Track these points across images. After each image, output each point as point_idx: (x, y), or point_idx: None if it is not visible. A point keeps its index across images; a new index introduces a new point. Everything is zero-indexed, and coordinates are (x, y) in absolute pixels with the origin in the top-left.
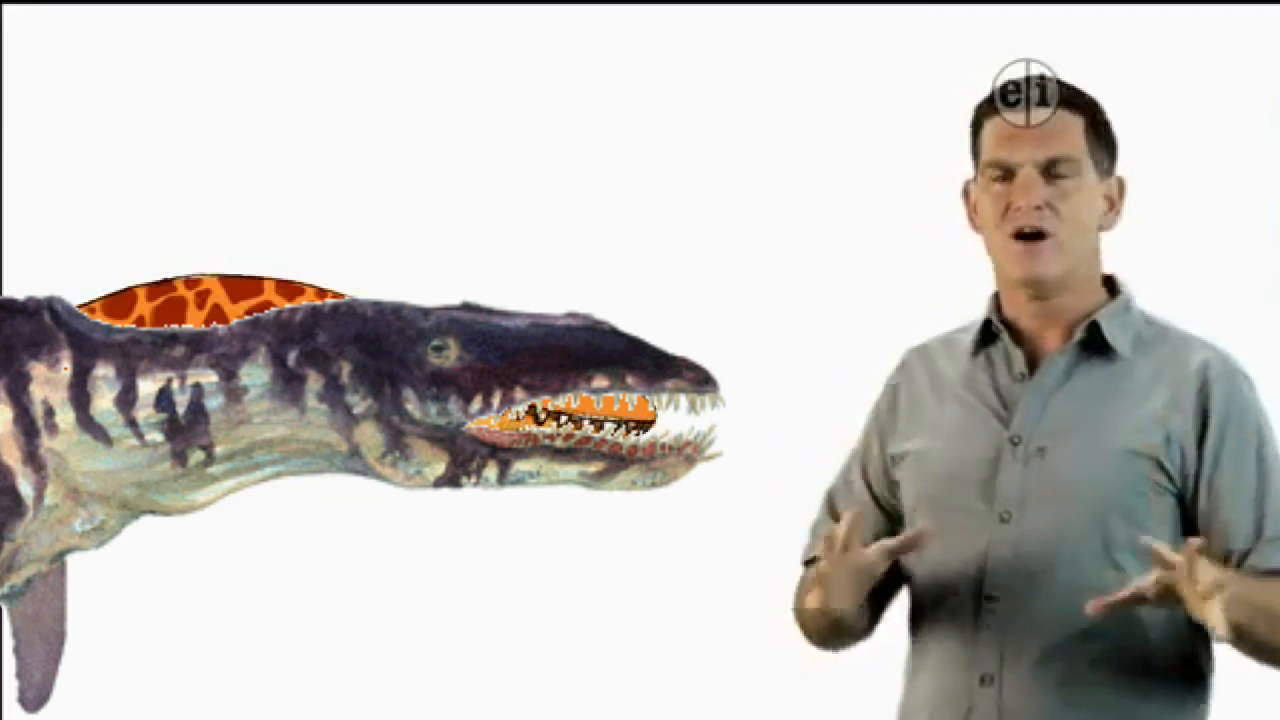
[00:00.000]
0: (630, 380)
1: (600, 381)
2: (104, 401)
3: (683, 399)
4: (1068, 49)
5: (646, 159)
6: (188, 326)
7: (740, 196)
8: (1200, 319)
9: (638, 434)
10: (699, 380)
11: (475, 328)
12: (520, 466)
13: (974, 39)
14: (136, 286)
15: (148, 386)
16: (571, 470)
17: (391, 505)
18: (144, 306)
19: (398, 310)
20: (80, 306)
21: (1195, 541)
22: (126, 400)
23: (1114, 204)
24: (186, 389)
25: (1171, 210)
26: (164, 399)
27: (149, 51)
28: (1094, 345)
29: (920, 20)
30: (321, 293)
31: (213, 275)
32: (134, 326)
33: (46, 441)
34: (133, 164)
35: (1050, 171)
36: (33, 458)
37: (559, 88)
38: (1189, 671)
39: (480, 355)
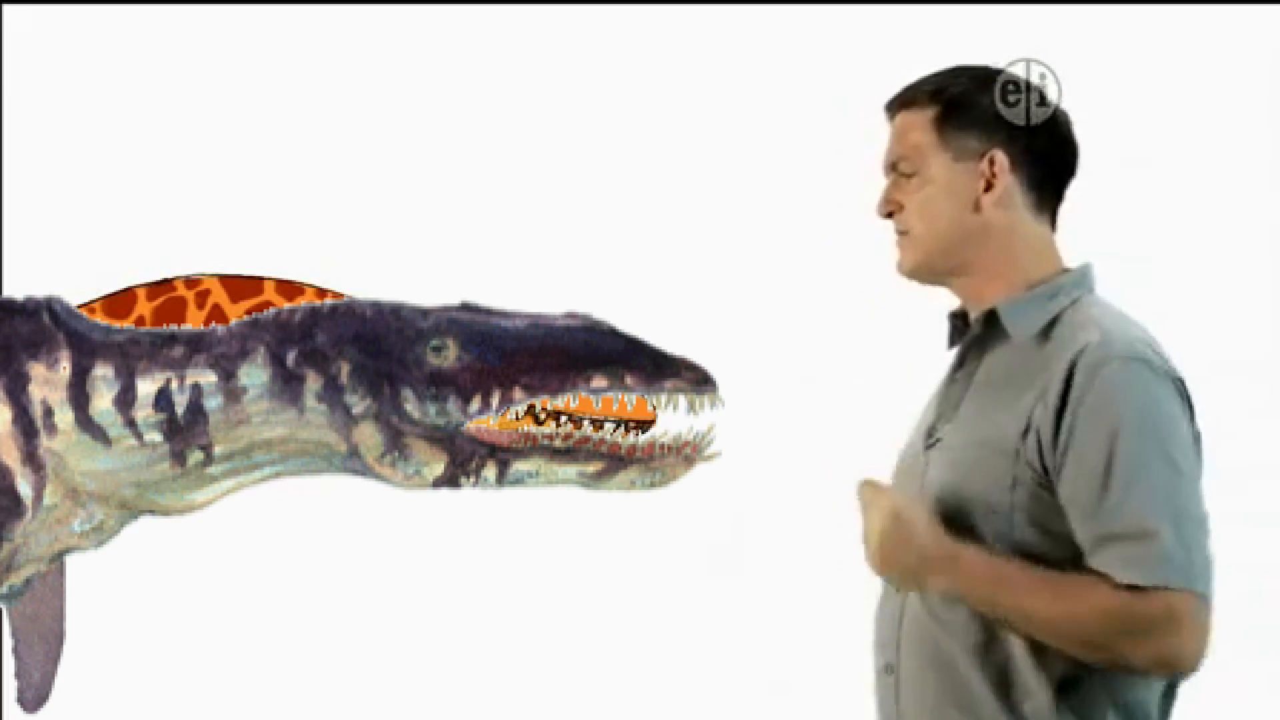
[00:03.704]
0: (629, 380)
1: (599, 381)
2: (103, 402)
3: (682, 399)
4: (1067, 49)
5: (645, 160)
6: (187, 327)
7: (738, 197)
8: (1198, 318)
9: (638, 434)
10: (698, 380)
11: (474, 328)
12: (519, 466)
13: (973, 39)
14: (136, 286)
15: (146, 387)
16: (570, 470)
17: (389, 506)
18: (144, 306)
19: (396, 310)
20: (80, 306)
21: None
22: (125, 400)
23: (990, 181)
24: (185, 389)
25: (1170, 209)
26: (163, 399)
27: (149, 51)
28: (1001, 334)
29: (920, 20)
30: (321, 292)
31: (212, 275)
32: (133, 327)
33: (45, 442)
34: (133, 164)
35: (897, 170)
36: (31, 458)
37: (557, 88)
38: (1059, 667)
39: (479, 355)
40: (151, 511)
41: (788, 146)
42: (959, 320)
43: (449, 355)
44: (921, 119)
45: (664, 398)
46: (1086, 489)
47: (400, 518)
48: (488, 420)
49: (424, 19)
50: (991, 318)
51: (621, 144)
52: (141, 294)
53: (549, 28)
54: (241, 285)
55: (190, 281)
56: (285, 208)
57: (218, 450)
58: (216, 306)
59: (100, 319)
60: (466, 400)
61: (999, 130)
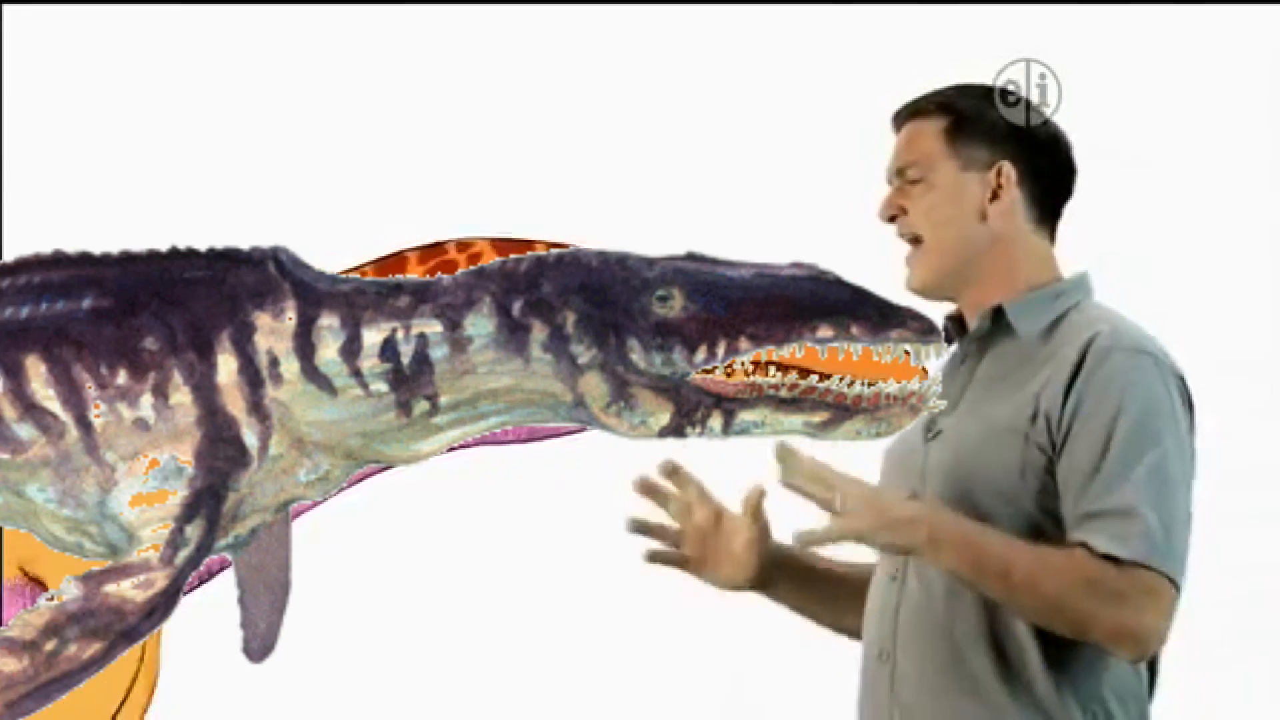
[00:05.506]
0: (854, 330)
1: (825, 331)
2: (328, 351)
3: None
4: (1067, 49)
5: (646, 163)
6: (412, 276)
7: (740, 201)
8: (1198, 318)
9: (864, 384)
10: (923, 330)
11: (700, 278)
12: (745, 417)
13: (973, 39)
14: (408, 250)
15: (372, 336)
16: (796, 420)
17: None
18: (416, 270)
19: (622, 260)
20: (351, 270)
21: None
22: (351, 350)
23: (996, 191)
24: (411, 339)
25: (1170, 209)
26: (388, 349)
27: (149, 51)
28: (1005, 331)
29: (920, 21)
30: None
31: (484, 238)
32: (358, 276)
33: (271, 391)
34: (133, 163)
35: (902, 176)
36: (257, 408)
37: (564, 88)
38: (1063, 654)
39: (705, 305)
40: (377, 461)
41: (790, 149)
42: (954, 323)
43: (675, 305)
44: (931, 128)
45: (890, 347)
46: (1080, 469)
47: (394, 520)
48: (714, 370)
49: (428, 18)
50: (998, 315)
51: (622, 147)
52: (413, 257)
53: (555, 27)
54: (513, 248)
55: (463, 244)
56: (288, 204)
57: (443, 400)
58: None
59: None
60: (692, 350)
61: (1007, 144)
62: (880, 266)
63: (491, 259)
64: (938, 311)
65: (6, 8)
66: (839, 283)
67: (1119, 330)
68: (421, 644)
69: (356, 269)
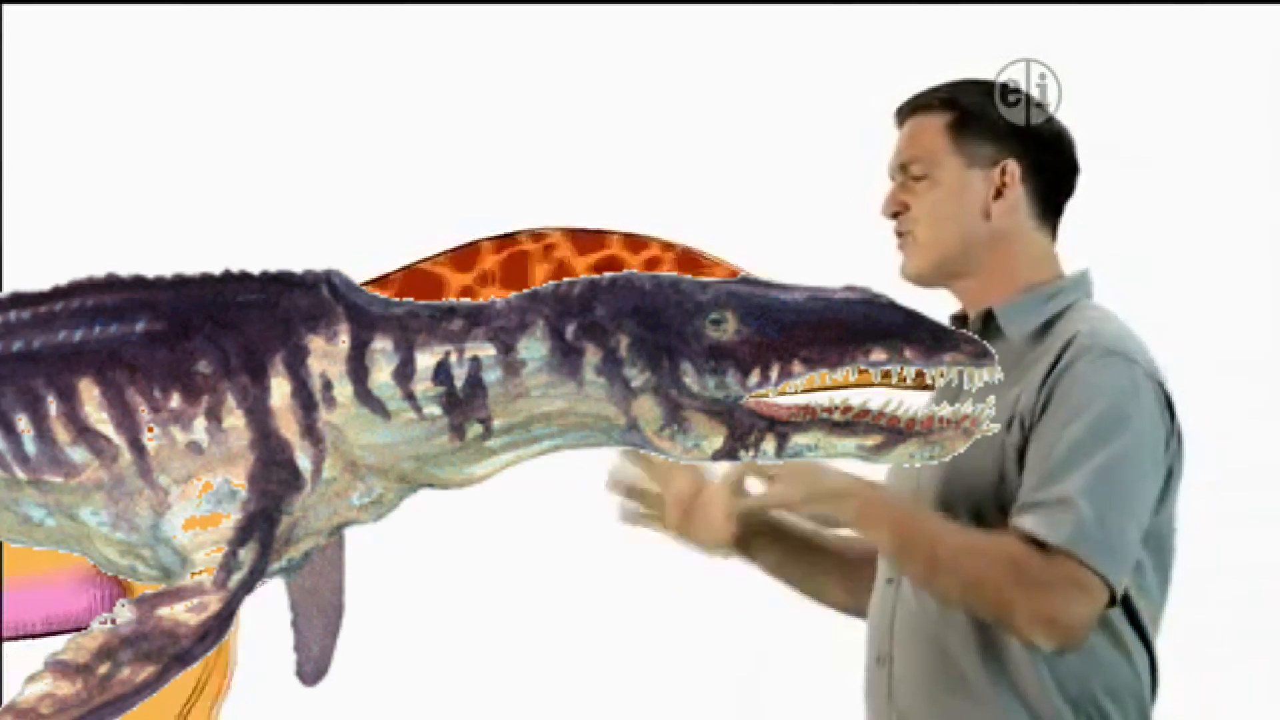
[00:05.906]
0: (908, 353)
1: (878, 354)
2: (382, 375)
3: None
4: (1067, 49)
5: (645, 163)
6: (465, 300)
7: (740, 203)
8: (1198, 318)
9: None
10: (977, 354)
11: (753, 301)
12: (798, 440)
13: (974, 39)
14: (482, 240)
15: (425, 360)
16: (849, 444)
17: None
18: (490, 260)
19: (675, 284)
20: (426, 260)
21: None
22: (404, 374)
23: (1000, 189)
24: (464, 362)
25: (1170, 209)
26: (442, 372)
27: (149, 51)
28: (996, 334)
29: (921, 21)
30: (668, 247)
31: (558, 229)
32: (411, 300)
33: (324, 415)
34: (132, 164)
35: (906, 172)
36: (310, 431)
37: (568, 86)
38: (1054, 656)
39: (758, 329)
40: (430, 485)
41: (791, 147)
42: (960, 323)
43: (728, 328)
44: (935, 124)
45: (944, 370)
46: (1032, 466)
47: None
48: (767, 393)
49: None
50: (989, 318)
51: (622, 146)
52: (488, 247)
53: (558, 27)
54: (587, 239)
55: (536, 235)
56: (286, 204)
57: (497, 423)
58: (562, 261)
59: (447, 272)
60: (745, 373)
61: (1012, 141)
62: (880, 263)
63: (566, 249)
64: (941, 311)
65: (6, 8)
66: (892, 306)
67: (1097, 331)
68: (433, 642)
69: (431, 259)
